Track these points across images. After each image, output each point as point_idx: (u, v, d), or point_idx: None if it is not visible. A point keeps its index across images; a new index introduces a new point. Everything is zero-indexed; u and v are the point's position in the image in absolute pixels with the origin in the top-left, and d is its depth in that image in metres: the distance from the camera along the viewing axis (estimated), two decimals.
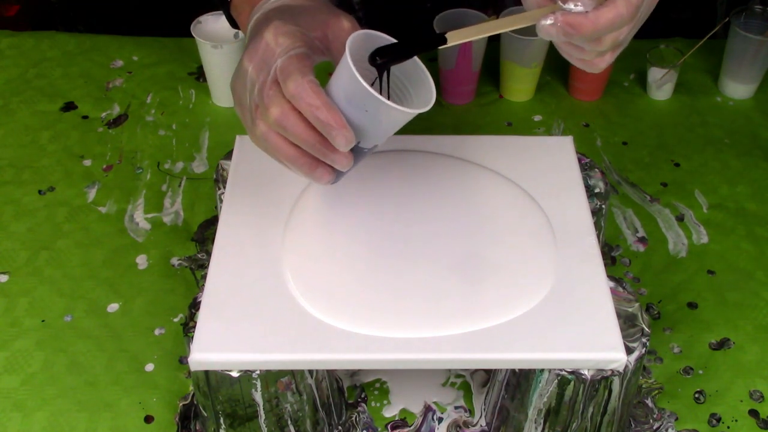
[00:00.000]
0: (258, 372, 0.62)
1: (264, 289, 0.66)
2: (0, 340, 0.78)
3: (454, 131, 1.02)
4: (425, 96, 0.63)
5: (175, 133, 1.02)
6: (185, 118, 1.04)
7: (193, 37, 1.00)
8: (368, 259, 0.68)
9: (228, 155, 0.79)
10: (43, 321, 0.80)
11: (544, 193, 0.74)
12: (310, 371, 0.65)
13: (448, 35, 0.60)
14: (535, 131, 1.03)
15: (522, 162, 0.77)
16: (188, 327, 0.65)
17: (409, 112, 0.59)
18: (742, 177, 0.97)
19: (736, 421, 0.73)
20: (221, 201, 0.75)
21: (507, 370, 0.67)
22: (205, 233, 0.89)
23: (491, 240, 0.70)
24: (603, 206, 0.76)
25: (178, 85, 1.09)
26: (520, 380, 0.66)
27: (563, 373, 0.62)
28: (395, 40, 0.61)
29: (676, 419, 0.73)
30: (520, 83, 1.05)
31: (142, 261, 0.86)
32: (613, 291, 0.67)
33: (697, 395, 0.75)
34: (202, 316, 0.64)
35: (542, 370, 0.63)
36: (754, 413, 0.73)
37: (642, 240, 0.89)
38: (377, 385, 0.76)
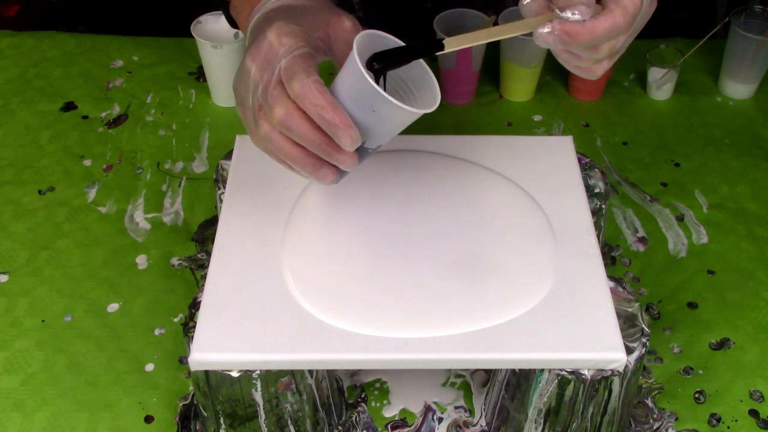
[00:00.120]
0: (258, 372, 0.62)
1: (264, 289, 0.66)
2: (0, 340, 0.78)
3: (454, 131, 1.02)
4: (429, 97, 0.63)
5: (175, 133, 1.02)
6: (185, 118, 1.04)
7: (193, 37, 1.00)
8: (368, 259, 0.68)
9: (228, 155, 0.79)
10: (43, 321, 0.80)
11: (544, 193, 0.74)
12: (310, 371, 0.65)
13: (445, 41, 0.60)
14: (535, 131, 1.03)
15: (522, 162, 0.77)
16: (188, 327, 0.65)
17: (416, 113, 0.59)
18: (742, 177, 0.97)
19: (736, 421, 0.73)
20: (221, 201, 0.75)
21: (507, 370, 0.67)
22: (205, 233, 0.89)
23: (491, 240, 0.70)
24: (603, 206, 0.76)
25: (178, 85, 1.09)
26: (520, 380, 0.66)
27: (563, 373, 0.62)
28: (401, 42, 0.61)
29: (676, 419, 0.73)
30: (520, 83, 1.05)
31: (142, 261, 0.86)
32: (613, 291, 0.67)
33: (697, 395, 0.75)
34: (202, 316, 0.64)
35: (542, 370, 0.63)
36: (754, 413, 0.73)
37: (642, 240, 0.89)
38: (377, 385, 0.76)
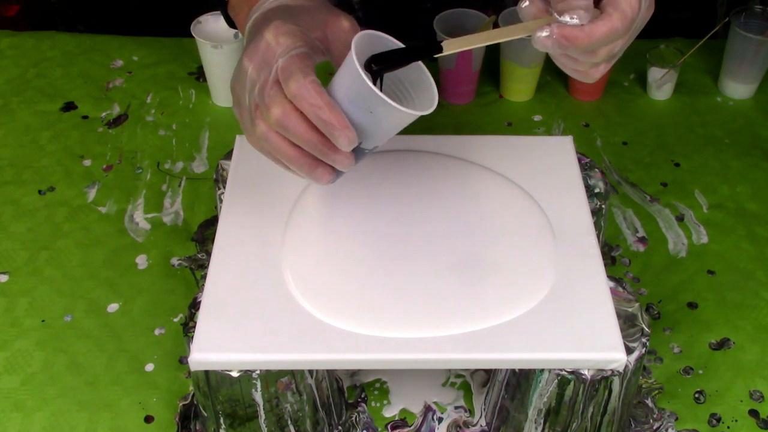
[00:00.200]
0: (258, 372, 0.62)
1: (264, 289, 0.66)
2: (0, 340, 0.78)
3: (454, 131, 1.02)
4: (427, 98, 0.63)
5: (175, 133, 1.02)
6: (185, 118, 1.04)
7: (193, 37, 1.00)
8: (368, 258, 0.68)
9: (228, 155, 0.79)
10: (43, 321, 0.80)
11: (544, 193, 0.74)
12: (310, 371, 0.65)
13: (444, 44, 0.60)
14: (535, 131, 1.03)
15: (522, 162, 0.77)
16: (188, 327, 0.65)
17: (413, 114, 0.59)
18: (742, 177, 0.97)
19: (736, 421, 0.73)
20: (221, 201, 0.75)
21: (507, 370, 0.67)
22: (205, 233, 0.89)
23: (491, 240, 0.70)
24: (603, 206, 0.76)
25: (178, 85, 1.09)
26: (520, 380, 0.66)
27: (563, 373, 0.62)
28: (400, 43, 0.61)
29: (676, 419, 0.73)
30: (520, 83, 1.05)
31: (142, 261, 0.86)
32: (613, 291, 0.67)
33: (697, 395, 0.75)
34: (202, 316, 0.64)
35: (542, 370, 0.63)
36: (754, 413, 0.73)
37: (642, 240, 0.89)
38: (377, 385, 0.76)
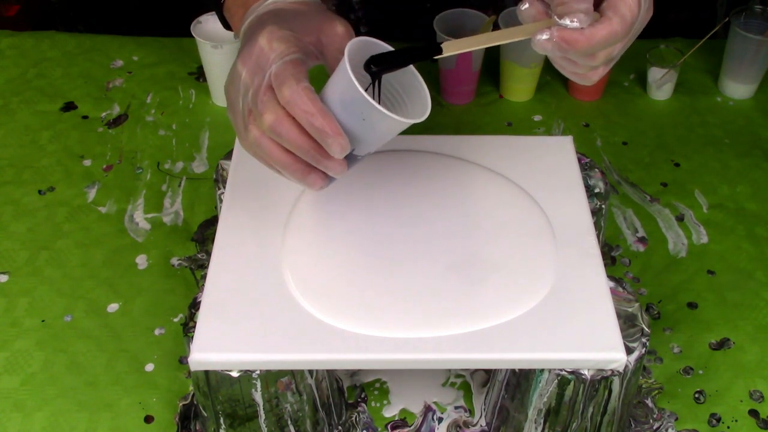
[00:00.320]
0: (258, 372, 0.62)
1: (264, 289, 0.66)
2: (0, 340, 0.78)
3: (454, 131, 1.02)
4: (420, 104, 0.63)
5: (175, 133, 1.02)
6: (185, 118, 1.04)
7: (193, 37, 1.00)
8: (368, 258, 0.68)
9: (228, 155, 0.79)
10: (43, 321, 0.80)
11: (544, 193, 0.74)
12: (310, 371, 0.65)
13: (444, 45, 0.60)
14: (535, 131, 1.03)
15: (522, 162, 0.77)
16: (188, 327, 0.65)
17: (406, 122, 0.59)
18: (742, 177, 0.97)
19: (736, 421, 0.73)
20: (221, 201, 0.75)
21: (507, 370, 0.67)
22: (205, 233, 0.89)
23: (491, 240, 0.70)
24: (603, 206, 0.76)
25: (178, 85, 1.09)
26: (520, 380, 0.66)
27: (563, 373, 0.62)
28: (392, 48, 0.61)
29: (676, 419, 0.73)
30: (520, 83, 1.05)
31: (142, 261, 0.86)
32: (613, 291, 0.67)
33: (697, 395, 0.75)
34: (202, 316, 0.64)
35: (542, 370, 0.63)
36: (754, 413, 0.73)
37: (642, 240, 0.89)
38: (377, 385, 0.76)
